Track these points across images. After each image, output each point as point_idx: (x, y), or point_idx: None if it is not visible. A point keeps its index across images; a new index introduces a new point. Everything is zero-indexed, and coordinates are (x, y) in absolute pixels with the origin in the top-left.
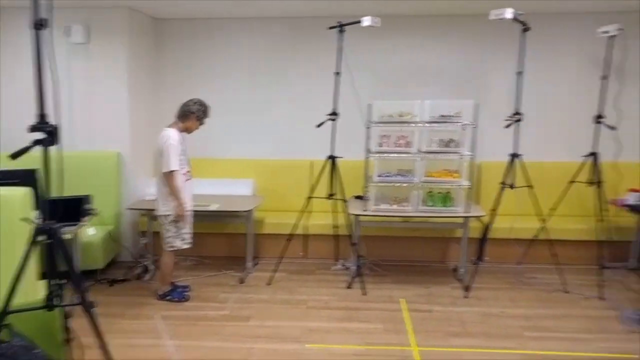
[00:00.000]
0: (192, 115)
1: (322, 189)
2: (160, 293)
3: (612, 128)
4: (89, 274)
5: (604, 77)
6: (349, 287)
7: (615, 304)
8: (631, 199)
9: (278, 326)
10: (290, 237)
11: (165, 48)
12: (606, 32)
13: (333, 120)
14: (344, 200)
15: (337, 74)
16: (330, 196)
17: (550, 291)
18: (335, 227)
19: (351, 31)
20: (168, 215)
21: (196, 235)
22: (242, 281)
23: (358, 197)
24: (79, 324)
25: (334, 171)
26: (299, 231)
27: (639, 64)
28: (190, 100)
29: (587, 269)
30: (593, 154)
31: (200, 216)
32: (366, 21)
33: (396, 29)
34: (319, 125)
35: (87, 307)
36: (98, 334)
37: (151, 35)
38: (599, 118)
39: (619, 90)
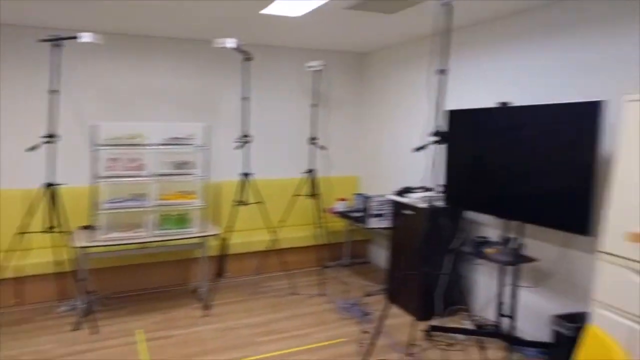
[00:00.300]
0: None
1: (40, 222)
2: None
3: (323, 148)
4: None
5: (314, 105)
6: (76, 329)
7: (332, 298)
8: (340, 207)
9: None
10: None
11: None
12: (312, 66)
13: (49, 142)
14: (68, 232)
15: (53, 92)
16: (51, 229)
17: (282, 296)
18: (59, 263)
19: (75, 46)
20: None
21: None
22: None
23: (86, 227)
24: None
25: (54, 200)
26: (10, 274)
27: (339, 94)
28: None
29: (312, 270)
30: (310, 171)
31: None
32: (85, 37)
33: (119, 48)
34: (30, 149)
35: None
36: None
37: None
38: (312, 140)
39: (327, 117)
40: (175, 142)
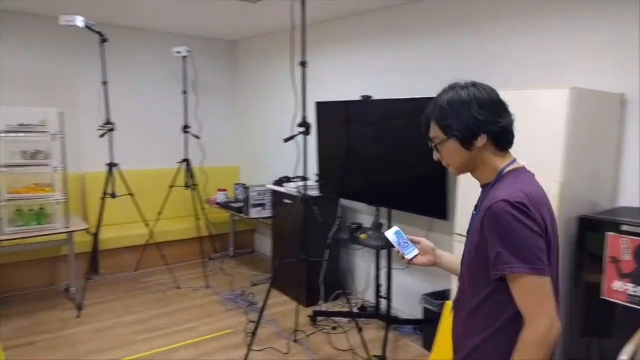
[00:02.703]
0: None
1: None
2: None
3: (197, 137)
4: None
5: (184, 92)
6: None
7: (218, 290)
8: (220, 197)
9: None
10: None
11: None
12: (179, 52)
13: None
14: None
15: None
16: None
17: (164, 291)
18: None
19: None
20: None
21: None
22: None
23: None
24: None
25: None
26: None
27: (208, 81)
28: None
29: (195, 263)
30: (186, 160)
31: None
32: None
33: None
34: None
35: None
36: None
37: None
38: (185, 128)
39: (197, 104)
40: (23, 129)
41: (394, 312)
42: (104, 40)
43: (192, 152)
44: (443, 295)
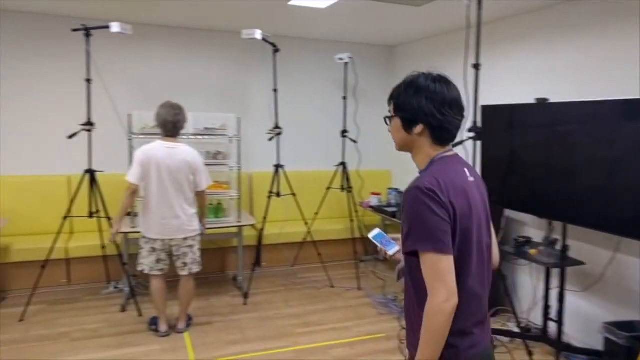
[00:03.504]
0: None
1: (83, 207)
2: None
3: (354, 141)
4: None
5: (344, 97)
6: (123, 310)
7: (369, 292)
8: (373, 201)
9: None
10: (45, 263)
11: None
12: (341, 59)
13: (88, 131)
14: (108, 218)
15: (88, 80)
16: (92, 214)
17: (318, 288)
18: (103, 247)
19: (101, 36)
20: (200, 233)
21: None
22: None
23: (127, 214)
24: None
25: (94, 187)
26: (59, 256)
27: (366, 86)
28: (173, 108)
29: (347, 263)
30: (342, 164)
31: None
32: (115, 27)
33: (152, 38)
34: (71, 136)
35: None
36: None
37: None
38: (344, 133)
39: (356, 108)
40: (208, 132)
41: (565, 338)
42: (276, 51)
43: (349, 156)
44: (630, 327)
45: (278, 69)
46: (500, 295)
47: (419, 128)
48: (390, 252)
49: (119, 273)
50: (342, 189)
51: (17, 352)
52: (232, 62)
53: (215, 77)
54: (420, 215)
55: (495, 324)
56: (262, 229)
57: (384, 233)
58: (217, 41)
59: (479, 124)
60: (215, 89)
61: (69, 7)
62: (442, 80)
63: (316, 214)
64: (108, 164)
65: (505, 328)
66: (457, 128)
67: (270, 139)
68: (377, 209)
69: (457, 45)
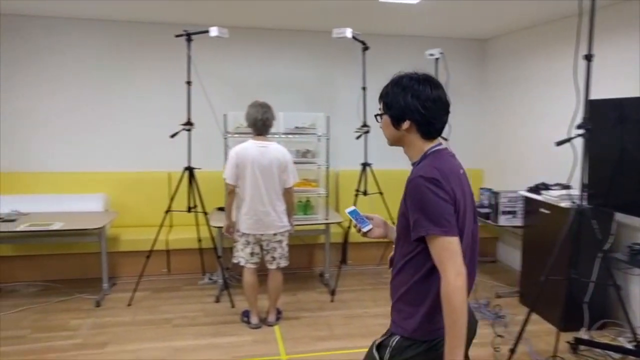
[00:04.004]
0: None
1: (182, 202)
2: (277, 317)
3: (445, 139)
4: None
5: None
6: (217, 300)
7: None
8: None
9: (140, 349)
10: (149, 253)
11: (9, 46)
12: (432, 54)
13: (188, 130)
14: (205, 213)
15: (189, 83)
16: (190, 209)
17: None
18: (199, 240)
19: (203, 40)
20: (288, 230)
21: (40, 258)
22: (98, 304)
23: (220, 209)
24: None
25: (192, 183)
26: (160, 247)
27: (459, 83)
28: (262, 107)
29: None
30: None
31: (42, 237)
32: (213, 32)
33: (246, 41)
34: (173, 136)
35: None
36: None
37: None
38: None
39: None
40: (298, 131)
41: None
42: (365, 49)
43: None
44: None
45: (366, 67)
46: (612, 307)
47: (406, 124)
48: (364, 229)
49: (213, 265)
50: None
51: (126, 333)
52: (320, 61)
53: (304, 76)
54: (428, 202)
55: (603, 337)
56: (349, 227)
57: (358, 211)
58: (307, 41)
59: (585, 119)
60: (305, 88)
61: (172, 14)
62: (426, 79)
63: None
64: (205, 162)
65: (615, 343)
66: (443, 123)
67: (358, 137)
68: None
69: (563, 35)
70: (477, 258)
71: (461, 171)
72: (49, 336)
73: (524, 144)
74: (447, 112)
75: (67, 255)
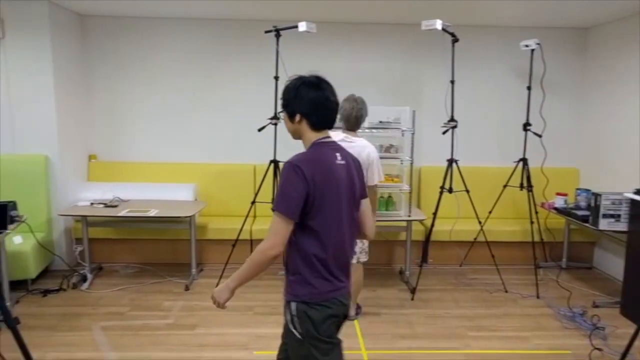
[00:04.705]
0: None
1: (267, 194)
2: (356, 312)
3: (538, 135)
4: (20, 284)
5: (529, 88)
6: None
7: (550, 302)
8: (559, 202)
9: (225, 334)
10: (235, 242)
11: (94, 47)
12: (527, 45)
13: (274, 124)
14: None
15: (277, 78)
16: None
17: (490, 291)
18: None
19: (288, 35)
20: None
21: (137, 242)
22: (187, 288)
23: None
24: (6, 338)
25: (277, 176)
26: (244, 237)
27: (555, 76)
28: (357, 102)
29: (523, 268)
30: (523, 160)
31: (140, 222)
32: (302, 27)
33: (332, 35)
34: (260, 129)
35: (11, 323)
36: (24, 351)
37: (77, 32)
38: (526, 126)
39: (542, 99)
40: (382, 126)
41: None
42: (455, 41)
43: (531, 152)
44: None
45: (455, 60)
46: None
47: (297, 117)
48: None
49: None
50: (522, 187)
51: (213, 317)
52: (406, 54)
53: (389, 70)
54: (284, 184)
55: None
56: (432, 225)
57: None
58: (393, 34)
59: None
60: (389, 82)
61: (262, 12)
62: (311, 83)
63: (489, 212)
64: (289, 155)
65: None
66: (327, 118)
67: (445, 132)
68: (563, 212)
69: None
70: (356, 241)
71: (340, 162)
72: (144, 315)
73: (627, 143)
74: (330, 109)
75: (160, 240)
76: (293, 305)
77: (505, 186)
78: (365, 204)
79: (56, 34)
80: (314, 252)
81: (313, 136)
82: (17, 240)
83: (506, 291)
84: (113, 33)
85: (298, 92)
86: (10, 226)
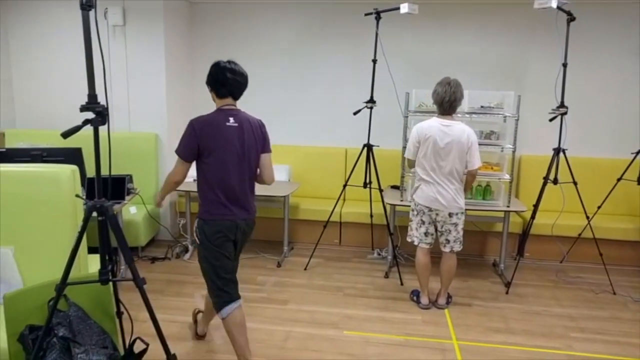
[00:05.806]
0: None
1: (358, 178)
2: (447, 301)
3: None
4: (131, 251)
5: None
6: (386, 276)
7: None
8: None
9: (315, 311)
10: (326, 223)
11: (201, 32)
12: None
13: (370, 108)
14: (380, 190)
15: (375, 61)
16: (366, 185)
17: (596, 292)
18: (371, 215)
19: (388, 18)
20: (463, 212)
21: None
22: (279, 265)
23: (394, 187)
24: (126, 298)
25: (369, 160)
26: (334, 219)
27: None
28: (451, 86)
29: (635, 270)
30: None
31: None
32: (404, 8)
33: (433, 17)
34: (355, 113)
35: (139, 283)
36: (149, 308)
37: (187, 18)
38: None
39: None
40: (483, 111)
41: None
42: (572, 20)
43: None
44: None
45: (569, 41)
46: None
47: (209, 89)
48: None
49: (382, 241)
50: (639, 181)
51: (303, 295)
52: (512, 36)
53: (492, 52)
54: (183, 135)
55: None
56: (532, 217)
57: None
58: (498, 14)
59: None
60: (492, 65)
61: None
62: (222, 62)
63: (598, 207)
64: (383, 139)
65: None
66: (227, 89)
67: (552, 119)
68: None
69: None
70: (252, 180)
71: (233, 125)
72: (241, 287)
73: None
74: (228, 84)
75: (256, 218)
76: (197, 221)
77: (619, 179)
78: (266, 158)
79: (169, 22)
80: (207, 183)
81: (218, 103)
82: (132, 210)
83: (614, 293)
84: (219, 18)
85: (210, 72)
86: (127, 197)
